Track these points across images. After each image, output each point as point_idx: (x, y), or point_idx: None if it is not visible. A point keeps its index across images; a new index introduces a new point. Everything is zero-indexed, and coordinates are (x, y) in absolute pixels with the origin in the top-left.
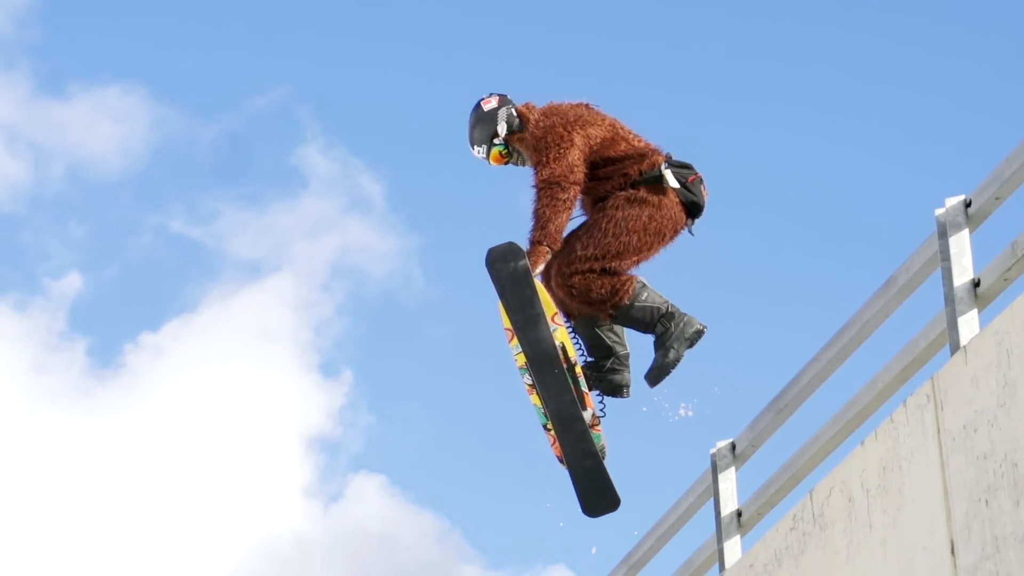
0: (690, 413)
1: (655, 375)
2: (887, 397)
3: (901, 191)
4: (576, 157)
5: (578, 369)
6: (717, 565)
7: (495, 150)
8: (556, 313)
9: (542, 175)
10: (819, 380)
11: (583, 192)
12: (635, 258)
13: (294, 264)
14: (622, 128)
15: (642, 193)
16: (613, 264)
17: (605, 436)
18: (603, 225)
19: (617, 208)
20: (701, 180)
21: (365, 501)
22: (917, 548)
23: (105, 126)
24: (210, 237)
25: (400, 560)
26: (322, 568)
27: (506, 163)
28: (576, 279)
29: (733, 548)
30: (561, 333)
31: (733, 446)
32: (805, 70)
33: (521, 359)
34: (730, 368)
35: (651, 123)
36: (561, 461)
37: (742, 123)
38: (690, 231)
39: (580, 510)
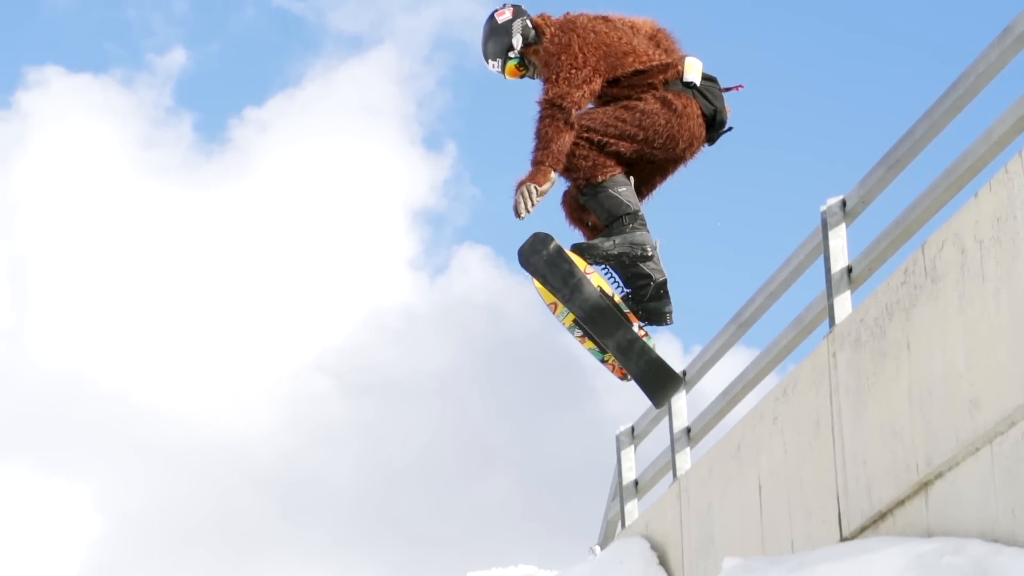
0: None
1: (578, 247)
2: (1002, 148)
3: None
4: (585, 78)
5: (617, 299)
6: (827, 321)
7: (510, 64)
8: (586, 265)
9: (548, 93)
10: (932, 134)
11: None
12: (636, 148)
13: (395, 37)
14: (645, 40)
15: (669, 96)
16: (611, 142)
17: (652, 338)
18: (621, 110)
19: (641, 100)
20: (728, 90)
21: (470, 273)
22: None
23: None
24: (311, 11)
25: (505, 329)
26: (429, 338)
27: (522, 76)
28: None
29: (843, 304)
30: (595, 278)
31: (844, 203)
32: None
33: (569, 320)
34: (843, 123)
35: None
36: (625, 378)
37: None
38: (710, 143)
39: (651, 404)
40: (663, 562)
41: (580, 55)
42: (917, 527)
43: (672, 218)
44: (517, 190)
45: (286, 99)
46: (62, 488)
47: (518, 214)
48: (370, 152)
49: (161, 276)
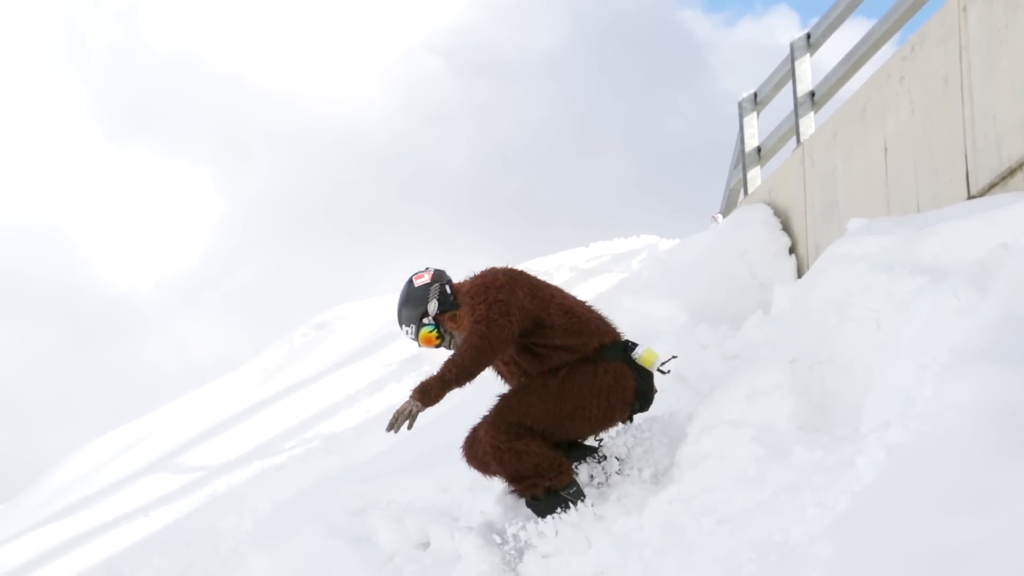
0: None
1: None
2: None
3: None
4: (515, 311)
5: None
6: None
7: (424, 330)
8: None
9: (478, 320)
10: None
11: (526, 357)
12: (586, 430)
13: None
14: (565, 301)
15: (603, 369)
16: (558, 436)
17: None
18: (559, 392)
19: (581, 375)
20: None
21: None
22: None
23: None
24: None
25: (617, 6)
26: (540, 16)
27: (437, 345)
28: (508, 452)
29: None
30: None
31: None
32: None
33: None
34: None
35: None
36: None
37: None
38: (630, 419)
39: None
40: (786, 227)
41: (507, 286)
42: None
43: None
44: (408, 402)
45: None
46: (183, 169)
47: (392, 429)
48: None
49: None
